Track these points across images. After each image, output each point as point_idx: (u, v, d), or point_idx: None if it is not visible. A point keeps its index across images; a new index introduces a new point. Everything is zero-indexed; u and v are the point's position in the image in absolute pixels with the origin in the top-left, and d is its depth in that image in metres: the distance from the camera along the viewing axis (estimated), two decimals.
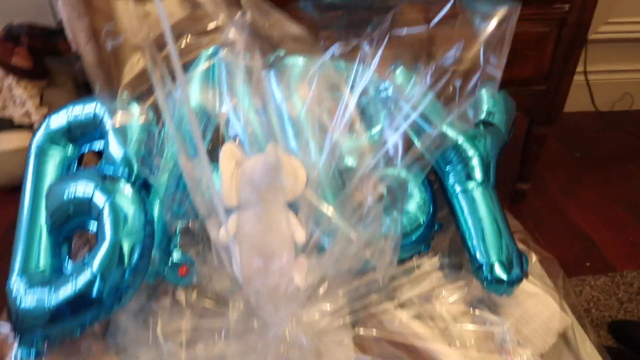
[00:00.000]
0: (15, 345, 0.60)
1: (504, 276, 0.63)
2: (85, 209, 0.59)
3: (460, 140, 0.69)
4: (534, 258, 0.72)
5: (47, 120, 0.69)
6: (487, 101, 0.75)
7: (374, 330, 0.64)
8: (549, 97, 1.07)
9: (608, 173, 1.37)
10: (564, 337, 0.68)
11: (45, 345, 0.60)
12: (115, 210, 0.57)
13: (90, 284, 0.55)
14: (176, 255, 0.64)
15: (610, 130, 1.56)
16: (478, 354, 0.60)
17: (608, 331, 0.92)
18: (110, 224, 0.57)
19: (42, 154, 0.68)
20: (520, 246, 0.70)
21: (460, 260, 0.73)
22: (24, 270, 0.60)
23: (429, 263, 0.70)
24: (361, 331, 0.64)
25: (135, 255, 0.56)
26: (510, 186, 1.22)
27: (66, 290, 0.56)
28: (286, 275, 0.56)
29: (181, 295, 0.67)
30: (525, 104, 1.07)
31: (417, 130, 0.68)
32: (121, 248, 0.55)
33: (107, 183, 0.59)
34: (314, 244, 0.59)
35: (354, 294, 0.67)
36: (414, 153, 0.66)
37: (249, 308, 0.64)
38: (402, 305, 0.67)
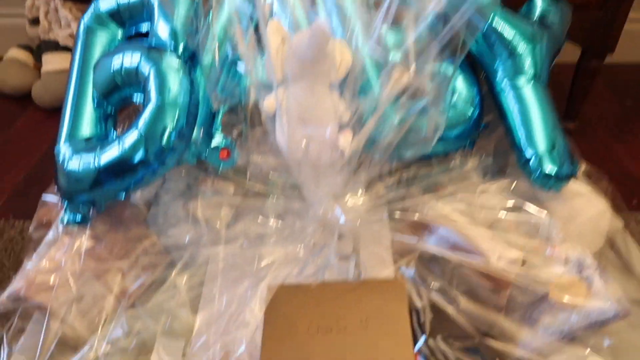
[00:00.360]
0: (62, 210, 0.61)
1: (553, 169, 0.61)
2: (132, 78, 0.60)
3: (512, 34, 0.66)
4: (582, 166, 0.69)
5: (95, 2, 0.69)
6: (542, 2, 0.72)
7: (415, 214, 0.62)
8: (605, 25, 1.01)
9: None
10: (610, 243, 0.66)
11: (91, 210, 0.61)
12: (160, 75, 0.57)
13: (136, 145, 0.55)
14: (218, 138, 0.64)
15: None
16: (521, 240, 0.59)
17: None
18: (155, 88, 0.57)
19: (90, 34, 0.68)
20: None
21: (504, 163, 0.71)
22: (71, 137, 0.61)
23: (473, 160, 0.68)
24: (398, 215, 0.63)
25: (181, 118, 0.56)
26: None
27: (112, 152, 0.56)
28: (329, 147, 0.56)
29: (221, 178, 0.68)
30: (579, 31, 1.02)
31: (468, 24, 0.65)
32: (167, 109, 0.56)
33: (153, 52, 0.59)
34: (358, 122, 0.58)
35: (393, 186, 0.66)
36: (462, 48, 0.63)
37: (290, 189, 0.64)
38: (442, 199, 0.65)
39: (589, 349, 0.52)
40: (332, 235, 0.62)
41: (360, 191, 0.64)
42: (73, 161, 0.58)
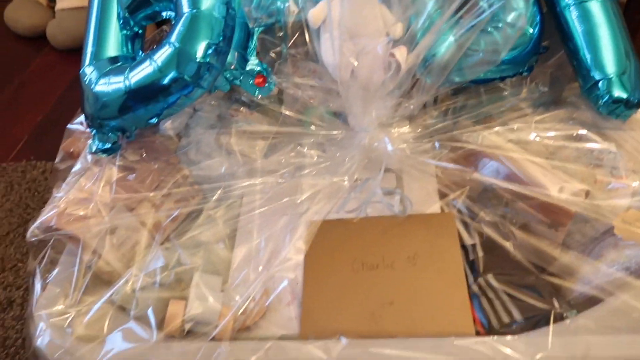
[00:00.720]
0: (90, 139, 0.58)
1: (623, 94, 0.55)
2: None
3: None
4: None
5: None
6: None
7: (465, 145, 0.58)
8: None
9: None
10: None
11: (121, 139, 0.57)
12: None
13: (169, 60, 0.51)
14: (253, 62, 0.60)
15: None
16: (584, 171, 0.54)
17: None
18: None
19: None
20: None
21: (558, 95, 0.66)
22: (97, 58, 0.56)
23: (526, 90, 0.63)
24: (446, 146, 0.58)
25: (217, 32, 0.51)
26: None
27: (143, 71, 0.52)
28: (382, 63, 0.51)
29: (255, 107, 0.63)
30: None
31: None
32: (202, 20, 0.51)
33: None
34: (411, 39, 0.53)
35: (440, 117, 0.62)
36: None
37: (329, 119, 0.59)
38: (494, 130, 0.60)
39: None
40: (378, 167, 0.58)
41: (406, 122, 0.59)
42: (101, 83, 0.54)
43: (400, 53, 0.51)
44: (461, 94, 0.64)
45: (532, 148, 0.59)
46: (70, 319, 0.49)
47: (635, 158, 0.57)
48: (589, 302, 0.51)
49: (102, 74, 0.55)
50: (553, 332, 0.47)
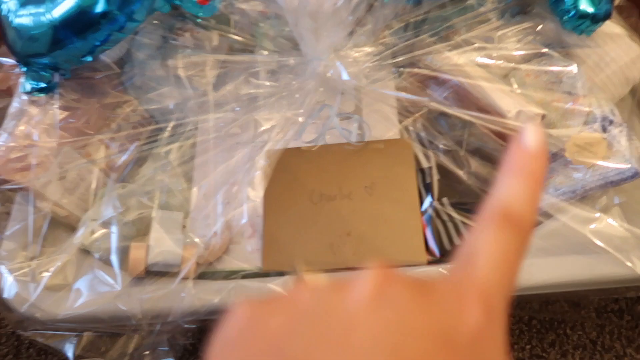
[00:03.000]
0: (22, 77, 0.53)
1: (590, 8, 0.52)
2: None
3: None
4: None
5: None
6: None
7: (424, 68, 0.56)
8: None
9: None
10: (632, 92, 0.61)
11: (57, 77, 0.53)
12: None
13: None
14: None
15: None
16: (539, 93, 0.54)
17: None
18: None
19: None
20: None
21: (526, 2, 0.62)
22: None
23: (491, 1, 0.59)
24: (405, 69, 0.56)
25: None
26: None
27: (67, 3, 0.46)
28: None
29: (201, 27, 0.58)
30: None
31: None
32: None
33: None
34: None
35: (400, 32, 0.58)
36: None
37: (283, 41, 0.55)
38: (457, 48, 0.58)
39: (599, 213, 0.50)
40: (334, 94, 0.56)
41: (364, 43, 0.56)
42: (21, 14, 0.48)
43: None
44: (423, 4, 0.60)
45: (493, 66, 0.57)
46: (33, 271, 0.49)
47: (593, 78, 0.56)
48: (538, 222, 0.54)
49: (21, 5, 0.48)
50: None
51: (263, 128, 0.55)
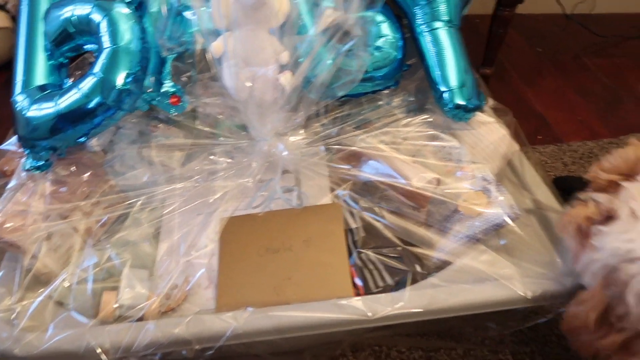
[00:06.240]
0: (24, 158, 0.66)
1: (463, 102, 0.71)
2: (83, 27, 0.63)
3: None
4: (490, 102, 0.81)
5: None
6: None
7: (348, 147, 0.72)
8: None
9: (566, 65, 1.47)
10: (509, 163, 0.78)
11: (52, 155, 0.66)
12: (113, 22, 0.61)
13: (94, 88, 0.60)
14: (167, 85, 0.70)
15: (571, 29, 1.64)
16: (437, 164, 0.70)
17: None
18: (109, 35, 0.61)
19: None
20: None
21: (424, 101, 0.81)
22: (27, 86, 0.64)
23: (398, 99, 0.78)
24: (334, 149, 0.72)
25: (135, 63, 0.61)
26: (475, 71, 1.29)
27: (71, 98, 0.61)
28: (272, 85, 0.63)
29: (172, 123, 0.73)
30: None
31: None
32: (121, 54, 0.61)
33: (103, 2, 0.63)
34: (296, 63, 0.65)
35: (329, 124, 0.75)
36: None
37: (236, 130, 0.71)
38: (372, 133, 0.75)
39: (484, 247, 0.64)
40: (277, 169, 0.70)
41: (300, 130, 0.72)
42: (32, 109, 0.62)
43: (286, 77, 0.64)
44: (346, 104, 0.78)
45: (401, 147, 0.74)
46: (15, 313, 0.57)
47: (474, 151, 0.73)
48: (444, 265, 0.67)
49: (34, 101, 0.63)
50: (411, 289, 0.61)
51: (218, 195, 0.68)
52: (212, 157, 0.70)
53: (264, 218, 0.70)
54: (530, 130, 1.21)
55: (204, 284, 0.66)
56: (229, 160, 0.70)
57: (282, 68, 0.65)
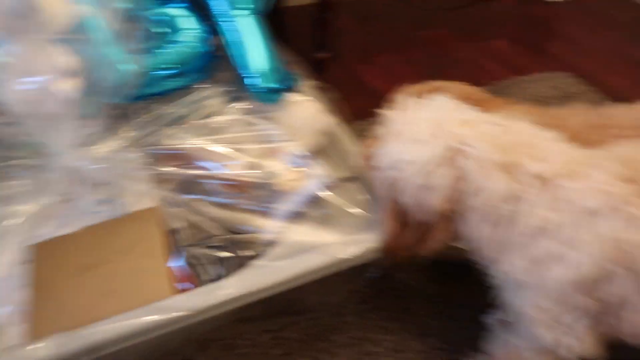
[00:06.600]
0: None
1: (269, 84, 0.73)
2: None
3: None
4: (312, 82, 0.82)
5: None
6: None
7: (165, 146, 0.69)
8: None
9: (396, 41, 1.57)
10: (331, 138, 0.81)
11: None
12: None
13: None
14: None
15: (400, 7, 1.76)
16: (256, 148, 0.70)
17: None
18: None
19: None
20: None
21: (241, 88, 0.81)
22: None
23: (212, 91, 0.77)
24: (151, 151, 0.69)
25: None
26: (312, 56, 1.33)
27: None
28: (52, 94, 0.59)
29: None
30: None
31: None
32: None
33: None
34: (81, 69, 0.62)
35: (142, 125, 0.72)
36: None
37: (30, 148, 0.66)
38: (188, 129, 0.73)
39: (307, 220, 0.66)
40: (86, 183, 0.66)
41: (110, 137, 0.69)
42: None
43: (68, 84, 0.60)
44: (157, 103, 0.76)
45: (220, 138, 0.74)
46: None
47: (289, 130, 0.75)
48: (273, 245, 0.67)
49: None
50: (234, 275, 0.61)
51: (17, 221, 0.62)
52: (6, 182, 0.64)
53: (78, 236, 0.65)
54: (366, 105, 1.28)
55: (15, 321, 0.60)
56: (28, 182, 0.64)
57: (66, 75, 0.62)
